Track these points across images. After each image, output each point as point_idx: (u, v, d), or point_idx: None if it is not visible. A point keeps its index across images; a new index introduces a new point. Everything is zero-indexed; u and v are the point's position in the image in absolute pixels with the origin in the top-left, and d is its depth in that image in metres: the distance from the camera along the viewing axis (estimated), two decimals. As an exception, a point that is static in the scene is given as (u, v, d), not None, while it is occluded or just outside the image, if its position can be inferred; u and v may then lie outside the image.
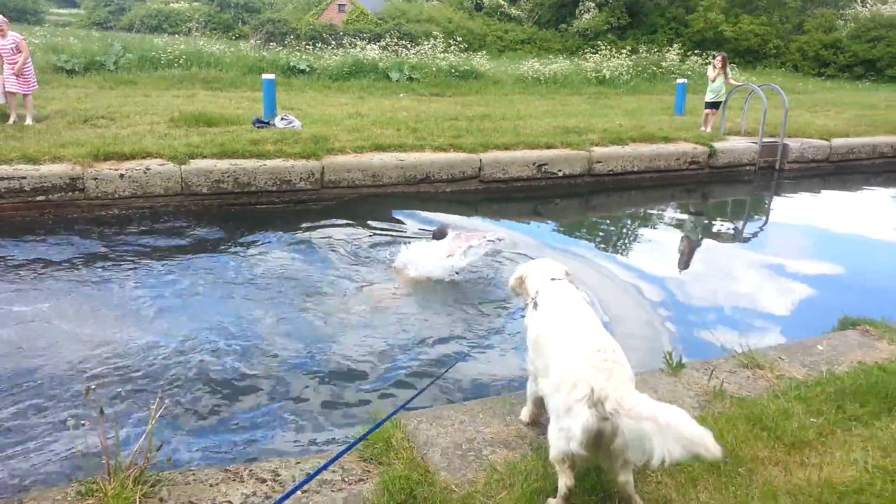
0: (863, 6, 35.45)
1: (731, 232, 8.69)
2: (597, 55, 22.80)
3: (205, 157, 8.16)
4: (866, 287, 6.38)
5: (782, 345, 4.10)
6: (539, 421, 2.98)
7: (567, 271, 3.05)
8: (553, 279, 2.91)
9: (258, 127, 9.90)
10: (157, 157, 7.96)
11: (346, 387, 4.13)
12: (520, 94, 17.78)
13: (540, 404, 2.86)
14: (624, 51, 23.22)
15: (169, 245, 6.63)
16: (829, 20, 33.88)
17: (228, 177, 7.94)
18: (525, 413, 3.06)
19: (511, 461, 2.73)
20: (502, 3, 41.40)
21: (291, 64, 18.36)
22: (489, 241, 6.05)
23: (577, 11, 37.22)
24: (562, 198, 9.45)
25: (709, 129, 12.10)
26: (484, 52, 25.98)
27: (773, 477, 2.59)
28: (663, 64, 22.82)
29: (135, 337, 4.63)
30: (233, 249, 6.60)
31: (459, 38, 24.31)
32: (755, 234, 8.61)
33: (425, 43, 22.28)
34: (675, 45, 24.91)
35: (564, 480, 2.38)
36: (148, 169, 7.64)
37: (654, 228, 8.44)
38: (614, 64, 21.57)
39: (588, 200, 9.56)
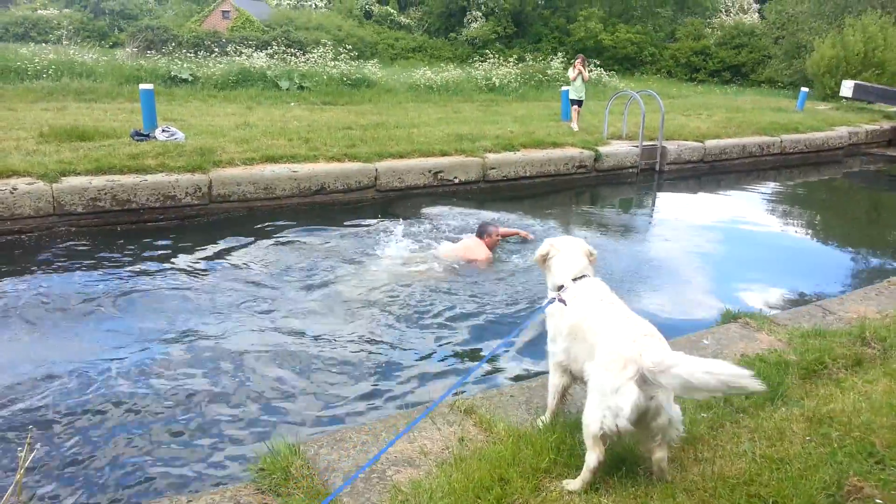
0: (727, 15, 38.22)
1: (616, 232, 9.01)
2: (486, 63, 23.26)
3: (79, 173, 7.61)
4: (744, 280, 6.80)
5: (671, 341, 4.25)
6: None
7: (591, 251, 3.21)
8: (577, 278, 3.06)
9: (137, 140, 9.35)
10: (25, 176, 7.34)
11: (242, 416, 3.94)
12: (413, 101, 17.80)
13: (564, 394, 3.05)
14: (511, 59, 23.83)
15: (42, 270, 6.12)
16: (698, 28, 36.28)
17: (106, 194, 7.44)
18: (549, 414, 3.08)
19: (415, 479, 2.67)
20: (392, 11, 41.55)
21: (172, 73, 17.53)
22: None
23: (465, 20, 37.92)
24: (461, 203, 9.48)
25: (574, 126, 13.04)
26: (375, 60, 25.90)
27: (671, 474, 2.66)
28: (548, 72, 23.56)
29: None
30: (112, 272, 6.17)
31: (350, 46, 24.11)
32: (637, 234, 8.98)
33: (315, 51, 21.91)
34: (559, 54, 25.82)
35: (597, 455, 2.56)
36: (15, 189, 7.02)
37: (544, 227, 8.60)
38: (503, 72, 22.07)
39: (483, 205, 9.62)
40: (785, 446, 2.87)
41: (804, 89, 19.24)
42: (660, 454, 2.60)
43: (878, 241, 8.93)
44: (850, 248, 8.63)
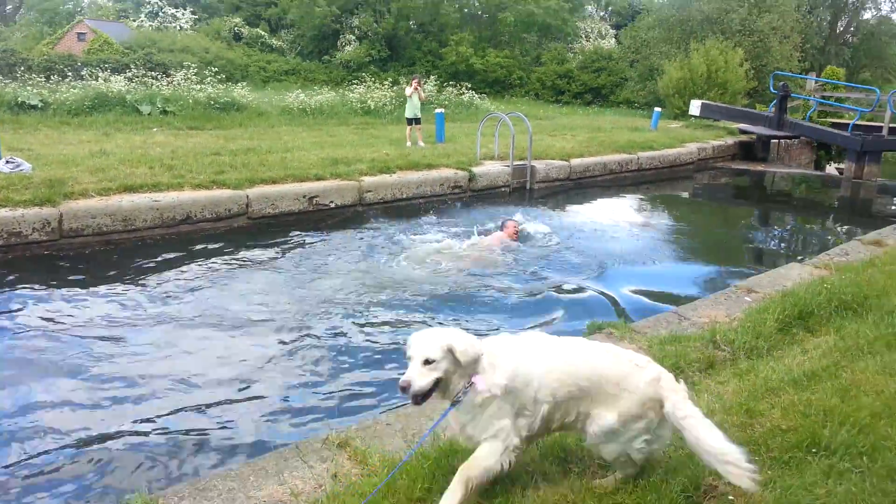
0: (587, 41, 40.57)
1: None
2: (361, 87, 23.27)
3: None
4: (610, 291, 7.13)
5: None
6: None
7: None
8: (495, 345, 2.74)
9: (-24, 173, 8.53)
10: None
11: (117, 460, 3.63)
12: (286, 125, 17.48)
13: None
14: (386, 82, 23.99)
15: None
16: (562, 53, 38.21)
17: (-63, 234, 6.72)
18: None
19: (286, 524, 2.55)
20: (262, 33, 40.71)
21: (20, 99, 16.25)
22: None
23: (338, 43, 37.83)
24: (336, 228, 9.33)
25: (421, 143, 14.00)
26: (245, 83, 25.21)
27: (542, 490, 2.70)
28: (423, 95, 23.89)
29: None
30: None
31: (217, 69, 23.35)
32: (509, 250, 9.19)
33: (178, 73, 21.03)
34: (432, 77, 26.29)
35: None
36: None
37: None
38: (378, 95, 22.16)
39: (359, 229, 9.49)
40: (647, 452, 2.99)
41: (657, 109, 20.69)
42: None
43: (724, 248, 9.68)
44: (700, 256, 9.28)
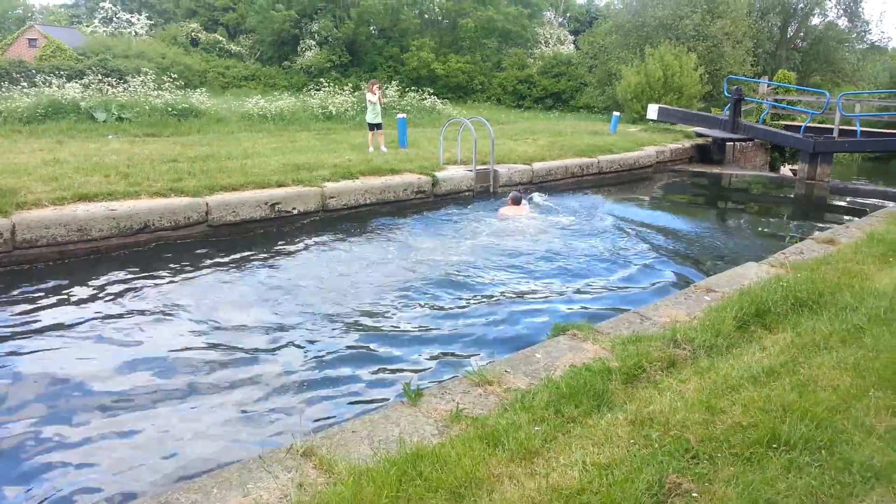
0: (546, 46, 41.06)
1: (446, 255, 9.19)
2: (321, 92, 23.14)
3: None
4: (573, 293, 7.20)
5: (507, 358, 4.40)
6: None
7: None
8: None
9: (-80, 182, 8.23)
10: None
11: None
12: (246, 131, 17.26)
13: None
14: (347, 87, 23.90)
15: None
16: (522, 59, 38.59)
17: None
18: None
19: (250, 536, 2.50)
20: (220, 38, 40.25)
21: (-33, 107, 15.75)
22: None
23: (298, 49, 37.58)
24: (299, 235, 9.24)
25: (383, 149, 13.85)
26: (204, 89, 24.84)
27: (508, 492, 2.71)
28: (384, 100, 23.88)
29: None
30: None
31: (175, 75, 22.98)
32: (483, 257, 9.22)
33: (135, 80, 20.63)
34: (394, 82, 26.31)
35: None
36: None
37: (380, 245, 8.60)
38: (339, 100, 22.06)
39: (322, 235, 9.43)
40: (612, 451, 3.03)
41: (616, 113, 21.01)
42: None
43: (683, 248, 9.84)
44: (660, 255, 9.41)
